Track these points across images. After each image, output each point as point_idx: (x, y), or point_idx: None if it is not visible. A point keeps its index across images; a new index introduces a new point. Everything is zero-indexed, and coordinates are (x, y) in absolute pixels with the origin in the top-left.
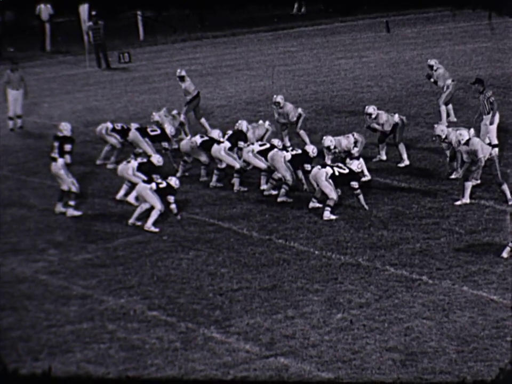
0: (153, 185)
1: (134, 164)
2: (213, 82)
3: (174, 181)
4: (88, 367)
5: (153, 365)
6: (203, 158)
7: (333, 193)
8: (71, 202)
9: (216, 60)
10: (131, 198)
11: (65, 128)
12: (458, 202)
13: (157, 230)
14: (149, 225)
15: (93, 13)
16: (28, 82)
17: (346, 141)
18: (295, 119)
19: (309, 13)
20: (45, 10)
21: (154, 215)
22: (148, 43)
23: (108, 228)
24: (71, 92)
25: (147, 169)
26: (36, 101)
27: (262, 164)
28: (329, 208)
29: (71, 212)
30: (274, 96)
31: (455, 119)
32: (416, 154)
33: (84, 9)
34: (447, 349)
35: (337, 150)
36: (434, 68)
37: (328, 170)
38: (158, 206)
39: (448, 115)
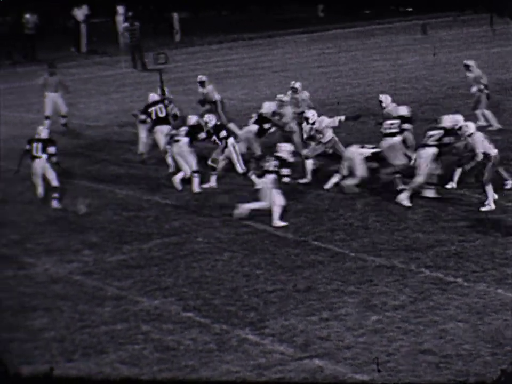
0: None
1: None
2: (249, 84)
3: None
4: (122, 368)
5: (188, 366)
6: (257, 150)
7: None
8: (56, 195)
9: (252, 62)
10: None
11: (43, 132)
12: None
13: (285, 223)
14: (276, 220)
15: (129, 14)
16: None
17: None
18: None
19: (329, 14)
20: (80, 11)
21: (277, 210)
22: (184, 44)
23: (143, 229)
24: (107, 92)
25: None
26: (71, 101)
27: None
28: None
29: (56, 204)
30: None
31: (485, 123)
32: (452, 156)
33: (119, 10)
34: (481, 352)
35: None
36: (470, 68)
37: None
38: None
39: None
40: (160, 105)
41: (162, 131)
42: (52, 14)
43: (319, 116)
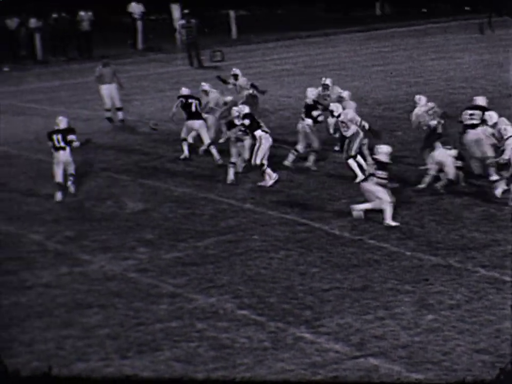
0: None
1: None
2: (305, 82)
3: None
4: (176, 365)
5: (242, 364)
6: (316, 143)
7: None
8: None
9: (308, 60)
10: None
11: (62, 122)
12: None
13: (397, 223)
14: (388, 220)
15: (186, 11)
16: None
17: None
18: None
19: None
20: (137, 8)
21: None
22: (241, 42)
23: (198, 227)
24: (163, 90)
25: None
26: (126, 98)
27: None
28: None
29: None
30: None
31: None
32: None
33: (176, 7)
34: None
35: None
36: None
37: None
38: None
39: None
40: (196, 100)
41: (193, 125)
42: (108, 11)
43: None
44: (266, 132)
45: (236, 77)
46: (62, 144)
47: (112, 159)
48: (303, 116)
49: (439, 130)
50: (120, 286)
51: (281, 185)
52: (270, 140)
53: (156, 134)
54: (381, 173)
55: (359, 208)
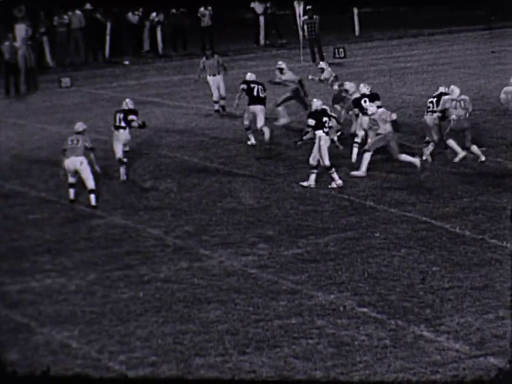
0: None
1: None
2: (428, 80)
3: None
4: (295, 362)
5: (362, 362)
6: (435, 136)
7: None
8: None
9: (432, 58)
10: None
11: (130, 103)
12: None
13: None
14: None
15: (308, 7)
16: (242, 76)
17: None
18: None
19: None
20: (259, 4)
21: None
22: (363, 39)
23: (319, 223)
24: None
25: None
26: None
27: None
28: None
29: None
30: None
31: None
32: None
33: (299, 3)
34: None
35: None
36: None
37: None
38: None
39: None
40: (259, 85)
41: (255, 110)
42: (230, 6)
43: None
44: (327, 133)
45: (281, 70)
46: (122, 123)
47: (233, 155)
48: (432, 108)
49: None
50: (239, 282)
51: (402, 183)
52: (329, 141)
53: (278, 130)
54: None
55: None
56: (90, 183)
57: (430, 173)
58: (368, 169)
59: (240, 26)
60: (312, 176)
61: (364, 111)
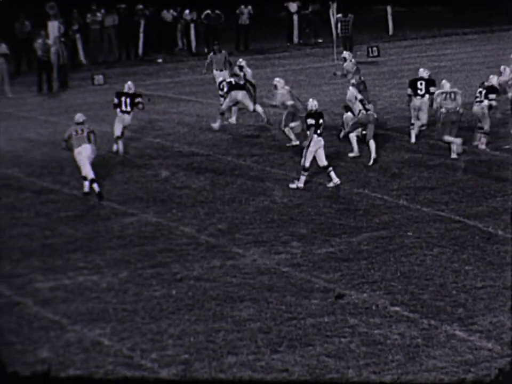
0: None
1: None
2: (461, 79)
3: None
4: (328, 361)
5: (394, 360)
6: (487, 125)
7: None
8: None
9: (465, 57)
10: None
11: (132, 86)
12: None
13: None
14: None
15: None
16: (276, 74)
17: None
18: None
19: None
20: (293, 3)
21: None
22: (397, 38)
23: (352, 222)
24: (318, 84)
25: None
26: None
27: None
28: None
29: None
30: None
31: None
32: None
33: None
34: None
35: None
36: None
37: None
38: None
39: None
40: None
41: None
42: (265, 4)
43: None
44: (319, 135)
45: (344, 59)
46: (128, 108)
47: (266, 153)
48: (481, 98)
49: None
50: (272, 280)
51: (435, 182)
52: (322, 143)
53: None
54: None
55: None
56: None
57: (463, 172)
58: (402, 168)
59: (274, 24)
60: (302, 178)
61: (416, 93)
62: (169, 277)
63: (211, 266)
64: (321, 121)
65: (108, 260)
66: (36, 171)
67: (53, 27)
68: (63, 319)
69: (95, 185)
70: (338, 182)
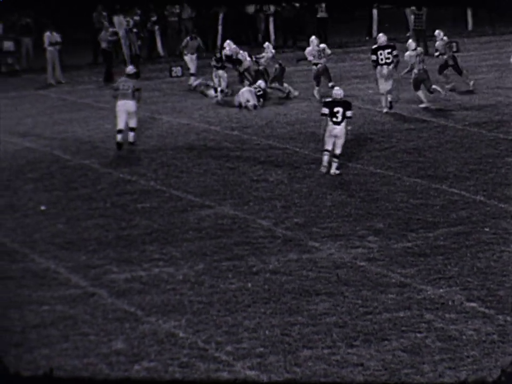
0: None
1: None
2: None
3: None
4: (403, 356)
5: (469, 356)
6: None
7: None
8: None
9: None
10: None
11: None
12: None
13: None
14: None
15: None
16: (353, 68)
17: None
18: None
19: None
20: None
21: None
22: (476, 33)
23: (429, 217)
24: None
25: None
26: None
27: None
28: None
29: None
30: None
31: None
32: None
33: None
34: None
35: None
36: None
37: None
38: None
39: None
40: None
41: None
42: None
43: None
44: (336, 124)
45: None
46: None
47: (344, 147)
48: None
49: None
50: (348, 274)
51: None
52: (336, 131)
53: (388, 124)
54: None
55: None
56: (134, 122)
57: None
58: (479, 163)
59: (353, 19)
60: (325, 158)
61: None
62: (245, 270)
63: (287, 259)
64: (337, 109)
65: (184, 252)
66: (113, 162)
67: (119, 21)
68: (138, 311)
69: (130, 134)
70: (337, 173)
